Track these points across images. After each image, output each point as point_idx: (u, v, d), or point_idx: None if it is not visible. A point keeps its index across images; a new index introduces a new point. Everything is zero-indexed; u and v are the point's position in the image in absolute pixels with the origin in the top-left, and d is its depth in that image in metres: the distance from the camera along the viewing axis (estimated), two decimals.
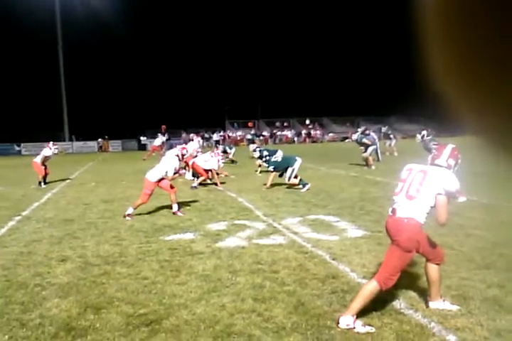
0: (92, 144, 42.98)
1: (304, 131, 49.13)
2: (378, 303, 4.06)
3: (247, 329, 3.65)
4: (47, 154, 14.34)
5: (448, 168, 3.83)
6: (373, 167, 16.40)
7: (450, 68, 0.35)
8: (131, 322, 3.85)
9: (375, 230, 6.78)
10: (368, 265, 5.19)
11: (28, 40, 45.50)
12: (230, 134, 47.29)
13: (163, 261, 5.64)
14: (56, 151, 15.03)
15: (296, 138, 48.23)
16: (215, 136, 45.94)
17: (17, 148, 40.60)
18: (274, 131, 49.03)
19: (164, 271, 5.25)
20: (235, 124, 51.65)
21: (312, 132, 48.78)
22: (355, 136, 18.81)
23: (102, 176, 16.88)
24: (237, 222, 7.81)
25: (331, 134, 49.19)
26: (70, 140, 44.40)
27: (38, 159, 14.07)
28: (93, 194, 11.98)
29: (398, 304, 4.10)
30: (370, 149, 16.85)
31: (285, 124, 52.04)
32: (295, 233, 6.89)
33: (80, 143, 43.25)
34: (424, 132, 18.50)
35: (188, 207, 9.41)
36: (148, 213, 8.83)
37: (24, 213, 9.27)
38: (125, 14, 45.31)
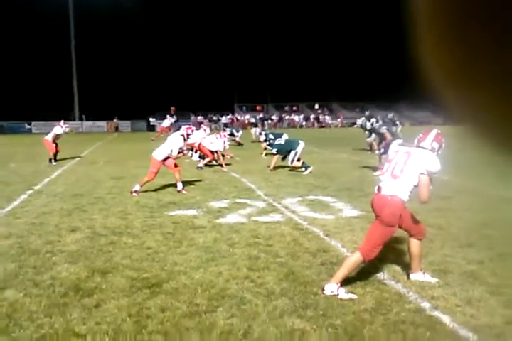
0: (102, 124, 43.36)
1: (312, 116, 49.09)
2: (363, 274, 4.39)
3: (240, 293, 3.99)
4: (58, 132, 14.73)
5: (432, 151, 4.10)
6: (377, 152, 16.60)
7: (442, 59, 0.36)
8: (135, 285, 4.20)
9: (369, 210, 7.05)
10: (359, 241, 5.47)
11: (40, 20, 45.56)
12: (239, 117, 47.42)
13: (167, 233, 5.99)
14: (67, 130, 15.44)
15: (304, 123, 48.26)
16: (224, 119, 46.09)
17: (28, 127, 41.10)
18: (283, 115, 49.07)
19: (167, 242, 5.60)
20: (244, 108, 51.73)
21: (321, 117, 48.75)
22: (359, 121, 19.04)
23: (111, 155, 17.25)
24: (238, 200, 8.13)
25: (339, 119, 49.11)
26: (80, 119, 44.82)
27: (50, 137, 14.48)
28: (102, 171, 12.35)
29: (381, 275, 4.42)
30: (374, 135, 17.01)
31: (294, 108, 52.03)
32: (293, 212, 7.21)
33: (90, 123, 43.66)
34: (373, 120, 18.71)
35: (192, 186, 9.75)
36: (154, 190, 9.18)
37: (36, 187, 9.67)
38: None
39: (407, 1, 0.36)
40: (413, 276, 4.30)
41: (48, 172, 12.13)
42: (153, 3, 50.62)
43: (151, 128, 39.67)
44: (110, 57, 49.41)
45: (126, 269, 4.61)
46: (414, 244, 4.26)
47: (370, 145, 16.96)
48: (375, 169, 12.32)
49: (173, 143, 9.03)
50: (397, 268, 4.62)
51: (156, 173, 8.88)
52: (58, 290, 4.10)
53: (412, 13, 0.36)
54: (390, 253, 5.02)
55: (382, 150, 13.85)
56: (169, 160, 9.00)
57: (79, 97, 44.98)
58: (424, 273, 4.32)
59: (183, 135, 9.21)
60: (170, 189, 9.40)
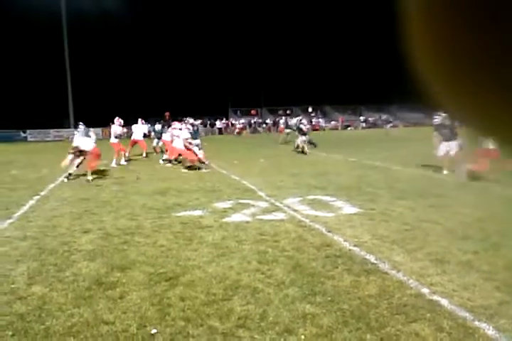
0: (97, 131, 43.48)
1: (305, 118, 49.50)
2: (366, 265, 4.70)
3: (252, 284, 4.29)
4: (117, 130, 15.88)
5: None
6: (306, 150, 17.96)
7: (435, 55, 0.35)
8: (153, 279, 4.49)
9: (368, 208, 7.42)
10: (360, 236, 5.82)
11: (33, 28, 45.80)
12: (233, 122, 47.75)
13: (176, 232, 6.28)
14: (122, 123, 16.51)
15: None
16: (218, 124, 46.43)
17: (23, 135, 41.23)
18: (277, 119, 49.44)
19: (178, 240, 5.89)
20: (238, 112, 52.11)
21: (314, 120, 49.19)
22: (293, 122, 20.69)
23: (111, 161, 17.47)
24: (241, 201, 8.43)
25: (333, 122, 49.59)
26: (76, 127, 44.91)
27: (114, 139, 15.66)
28: (104, 177, 12.60)
29: (383, 266, 4.72)
30: (304, 137, 18.14)
31: (288, 112, 52.45)
32: (295, 210, 7.51)
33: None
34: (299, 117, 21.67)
35: (195, 188, 10.03)
36: (159, 193, 9.46)
37: (42, 193, 9.91)
38: (130, 1, 45.51)
39: (400, 3, 0.36)
40: None
41: (52, 178, 12.36)
42: (146, 9, 51.00)
43: (145, 135, 39.76)
44: (104, 64, 49.68)
45: (143, 265, 4.89)
46: None
47: (301, 147, 18.10)
48: (371, 169, 12.65)
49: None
50: (398, 259, 4.92)
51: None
52: (82, 284, 4.38)
53: (405, 15, 0.36)
54: (390, 245, 5.34)
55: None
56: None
57: (74, 104, 45.14)
58: None
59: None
60: (173, 191, 9.68)
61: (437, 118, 11.46)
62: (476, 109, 0.36)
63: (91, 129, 12.89)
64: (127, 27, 48.49)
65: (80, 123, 13.05)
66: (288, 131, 24.83)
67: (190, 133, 14.23)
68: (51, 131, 42.36)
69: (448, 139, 11.03)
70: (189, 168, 13.55)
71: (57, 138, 39.83)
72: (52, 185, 11.08)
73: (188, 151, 13.78)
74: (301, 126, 18.89)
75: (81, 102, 45.13)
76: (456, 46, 0.34)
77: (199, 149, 14.32)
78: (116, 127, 16.01)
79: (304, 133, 18.54)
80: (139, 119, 18.94)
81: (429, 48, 0.36)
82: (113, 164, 15.38)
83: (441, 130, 11.23)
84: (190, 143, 13.72)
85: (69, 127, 44.77)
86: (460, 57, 0.34)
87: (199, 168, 13.59)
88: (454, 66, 0.35)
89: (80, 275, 4.62)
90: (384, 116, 26.99)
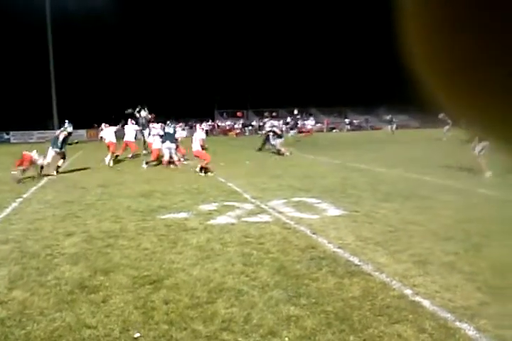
0: (82, 132, 43.15)
1: (289, 120, 49.67)
2: (350, 267, 4.73)
3: (237, 286, 4.29)
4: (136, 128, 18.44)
5: None
6: (288, 153, 17.99)
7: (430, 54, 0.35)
8: (137, 282, 4.46)
9: (353, 210, 7.46)
10: (344, 237, 5.86)
11: (17, 29, 45.29)
12: (219, 123, 47.72)
13: (161, 235, 6.25)
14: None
15: (284, 128, 48.73)
16: (205, 125, 46.27)
17: (6, 136, 40.72)
18: (263, 121, 49.51)
19: (162, 243, 5.86)
20: (224, 114, 52.09)
21: (300, 122, 49.35)
22: (268, 124, 20.65)
23: (95, 163, 17.33)
24: (227, 203, 8.42)
25: (318, 124, 49.81)
26: (60, 128, 44.47)
27: (130, 137, 17.91)
28: (89, 179, 12.49)
29: (366, 267, 4.75)
30: (280, 140, 18.80)
31: (273, 114, 52.54)
32: (280, 212, 7.52)
33: None
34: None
35: (180, 191, 9.99)
36: (144, 196, 9.41)
37: (25, 195, 9.79)
38: (115, 2, 45.22)
39: (396, 2, 0.36)
40: None
41: (35, 180, 12.22)
42: (132, 9, 50.72)
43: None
44: (89, 65, 49.26)
45: (126, 268, 4.86)
46: None
47: (278, 149, 18.43)
48: (356, 171, 12.72)
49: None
50: (381, 261, 4.96)
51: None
52: (64, 288, 4.33)
53: (402, 13, 0.35)
54: (374, 247, 5.38)
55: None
56: None
57: (57, 106, 44.67)
58: None
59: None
60: (158, 194, 9.64)
61: None
62: (474, 108, 0.36)
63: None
64: (112, 27, 48.14)
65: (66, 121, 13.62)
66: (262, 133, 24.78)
67: (162, 135, 14.98)
68: (35, 132, 41.90)
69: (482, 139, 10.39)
70: (202, 170, 13.03)
71: (40, 140, 39.36)
72: (34, 188, 10.95)
73: (203, 152, 13.78)
74: (275, 129, 19.16)
75: (65, 103, 44.68)
76: (453, 44, 0.34)
77: (174, 153, 15.02)
78: (132, 126, 18.32)
79: (279, 136, 18.76)
80: (129, 120, 19.07)
81: (425, 46, 0.36)
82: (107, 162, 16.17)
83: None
84: (203, 145, 14.00)
85: (53, 128, 44.33)
86: (456, 55, 0.34)
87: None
88: (450, 64, 0.35)
89: (62, 279, 4.57)
90: (388, 116, 27.66)
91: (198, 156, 13.38)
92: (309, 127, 42.62)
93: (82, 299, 4.05)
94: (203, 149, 13.90)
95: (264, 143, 20.92)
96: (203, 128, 14.72)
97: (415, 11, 0.35)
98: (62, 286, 4.39)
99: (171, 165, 14.88)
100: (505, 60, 0.32)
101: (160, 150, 15.46)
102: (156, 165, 15.62)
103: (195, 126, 23.04)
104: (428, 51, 0.36)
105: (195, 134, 14.15)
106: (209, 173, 12.79)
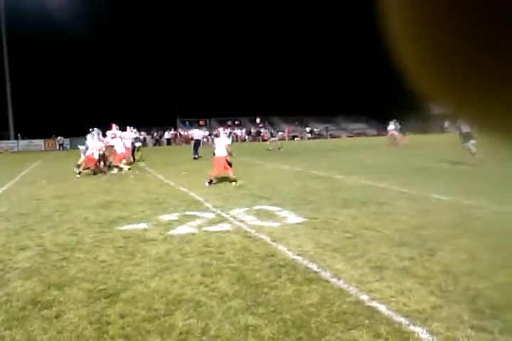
0: (39, 142, 42.02)
1: (253, 129, 49.98)
2: (308, 274, 4.77)
3: (195, 297, 4.25)
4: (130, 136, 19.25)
5: None
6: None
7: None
8: (92, 296, 4.35)
9: (312, 217, 7.55)
10: (303, 245, 5.91)
11: None
12: (182, 132, 47.43)
13: (119, 247, 6.13)
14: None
15: (246, 137, 49.00)
16: (167, 135, 45.96)
17: None
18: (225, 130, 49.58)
19: (120, 255, 5.74)
20: (187, 122, 51.81)
21: (262, 131, 49.69)
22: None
23: (53, 174, 16.91)
24: (188, 213, 8.36)
25: (280, 133, 50.27)
26: (16, 138, 43.19)
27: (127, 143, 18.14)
28: (45, 190, 12.15)
29: (324, 274, 4.81)
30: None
31: (236, 123, 52.71)
32: (241, 221, 7.52)
33: (26, 142, 42.19)
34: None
35: (139, 201, 9.85)
36: (102, 207, 9.22)
37: None
38: (73, 10, 44.45)
39: (379, 5, 0.35)
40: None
41: None
42: (89, 16, 49.90)
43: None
44: (46, 73, 48.09)
45: (82, 282, 4.74)
46: None
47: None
48: (316, 179, 12.87)
49: None
50: (339, 267, 5.03)
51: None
52: (16, 304, 4.18)
53: (387, 15, 0.35)
54: (332, 254, 5.46)
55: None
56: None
57: (14, 116, 43.35)
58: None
59: None
60: (117, 205, 9.47)
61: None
62: (468, 106, 0.36)
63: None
64: (69, 35, 47.25)
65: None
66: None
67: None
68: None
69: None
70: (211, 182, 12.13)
71: None
72: None
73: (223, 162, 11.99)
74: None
75: (21, 113, 43.42)
76: (439, 45, 0.34)
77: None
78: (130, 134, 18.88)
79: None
80: (113, 125, 19.76)
81: (411, 46, 0.35)
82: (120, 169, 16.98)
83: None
84: (230, 152, 12.18)
85: (9, 138, 42.98)
86: (444, 55, 0.34)
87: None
88: (438, 64, 0.35)
89: (13, 295, 4.41)
90: (391, 123, 28.68)
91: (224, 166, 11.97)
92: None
93: (34, 315, 3.92)
94: (229, 155, 12.11)
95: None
96: (226, 133, 13.35)
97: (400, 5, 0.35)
98: (14, 302, 4.23)
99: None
100: (494, 50, 0.32)
101: (124, 153, 16.16)
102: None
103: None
104: (416, 46, 0.36)
105: (217, 139, 12.67)
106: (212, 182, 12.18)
